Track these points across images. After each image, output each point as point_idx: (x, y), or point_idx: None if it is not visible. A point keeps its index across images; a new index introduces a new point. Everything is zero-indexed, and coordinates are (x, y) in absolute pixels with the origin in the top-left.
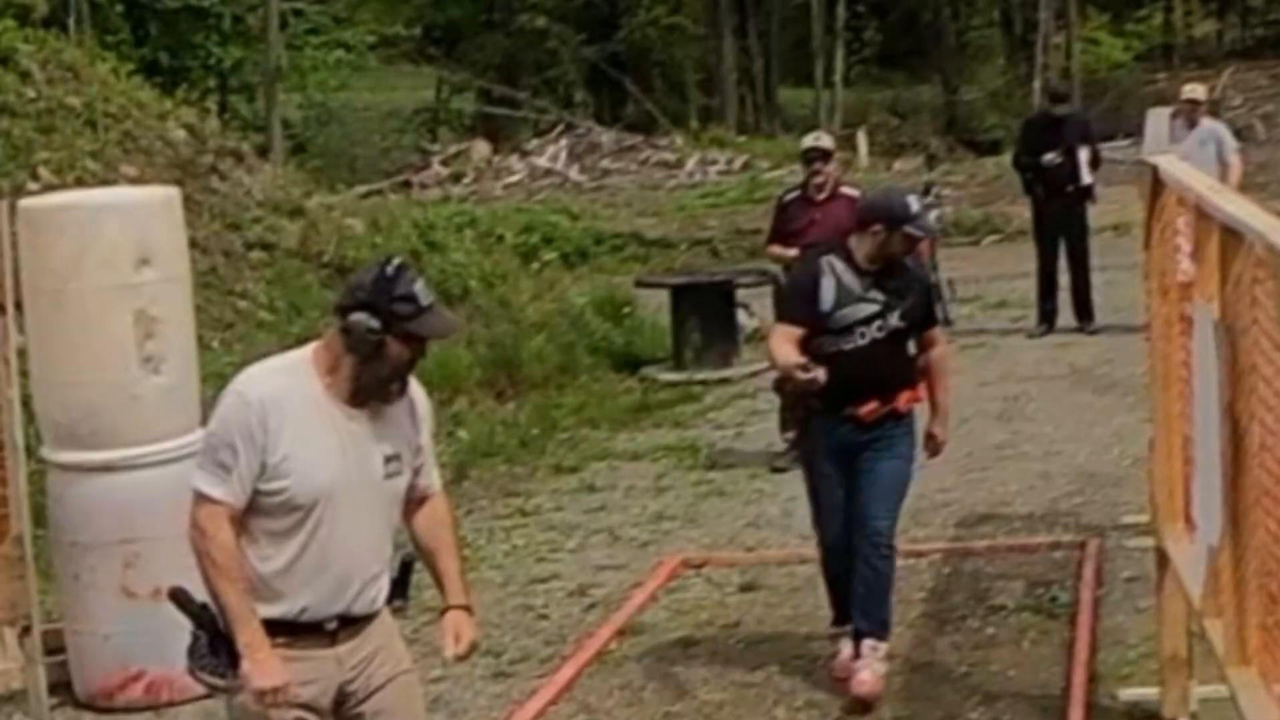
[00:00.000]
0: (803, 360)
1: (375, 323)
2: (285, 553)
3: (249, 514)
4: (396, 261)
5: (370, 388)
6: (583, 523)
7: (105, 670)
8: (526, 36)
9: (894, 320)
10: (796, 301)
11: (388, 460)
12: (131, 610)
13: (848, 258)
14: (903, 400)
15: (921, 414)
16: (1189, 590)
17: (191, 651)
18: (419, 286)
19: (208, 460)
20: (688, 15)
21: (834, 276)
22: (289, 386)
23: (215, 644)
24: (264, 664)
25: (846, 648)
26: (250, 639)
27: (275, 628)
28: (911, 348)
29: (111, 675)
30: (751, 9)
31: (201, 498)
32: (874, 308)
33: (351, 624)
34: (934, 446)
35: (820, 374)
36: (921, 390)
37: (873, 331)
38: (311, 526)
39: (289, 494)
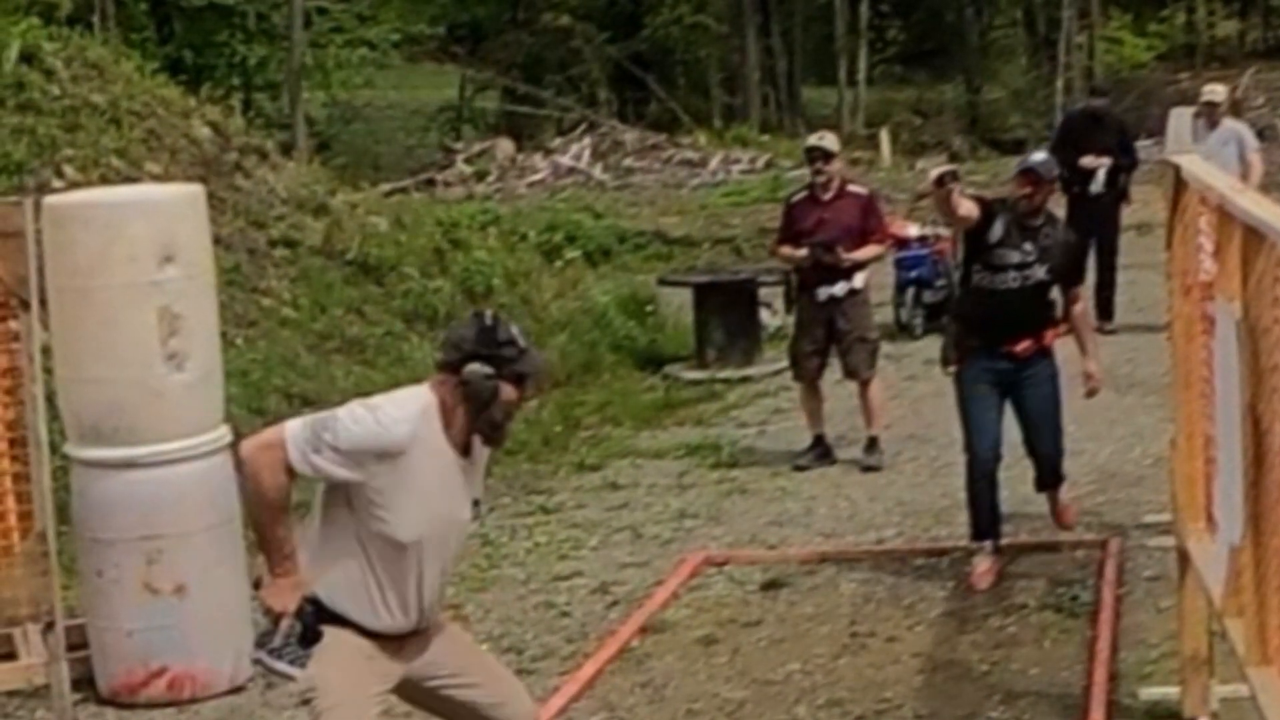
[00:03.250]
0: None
1: (489, 369)
2: (381, 575)
3: (363, 530)
4: (490, 313)
5: (486, 433)
6: (605, 520)
7: (128, 666)
8: (550, 35)
9: (1040, 273)
10: (982, 201)
11: (475, 504)
12: (154, 606)
13: (1015, 212)
14: (1048, 337)
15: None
16: (1210, 589)
17: (275, 640)
18: (515, 330)
19: (315, 428)
20: (711, 14)
21: (1004, 220)
22: (423, 438)
23: (306, 636)
24: (282, 590)
25: (983, 563)
26: (279, 566)
27: (355, 628)
28: (1055, 296)
29: (134, 671)
30: (775, 8)
31: (286, 442)
32: (1024, 257)
33: (420, 633)
34: (1092, 385)
35: (946, 166)
36: (1062, 328)
37: (1020, 278)
38: (406, 563)
39: (390, 529)
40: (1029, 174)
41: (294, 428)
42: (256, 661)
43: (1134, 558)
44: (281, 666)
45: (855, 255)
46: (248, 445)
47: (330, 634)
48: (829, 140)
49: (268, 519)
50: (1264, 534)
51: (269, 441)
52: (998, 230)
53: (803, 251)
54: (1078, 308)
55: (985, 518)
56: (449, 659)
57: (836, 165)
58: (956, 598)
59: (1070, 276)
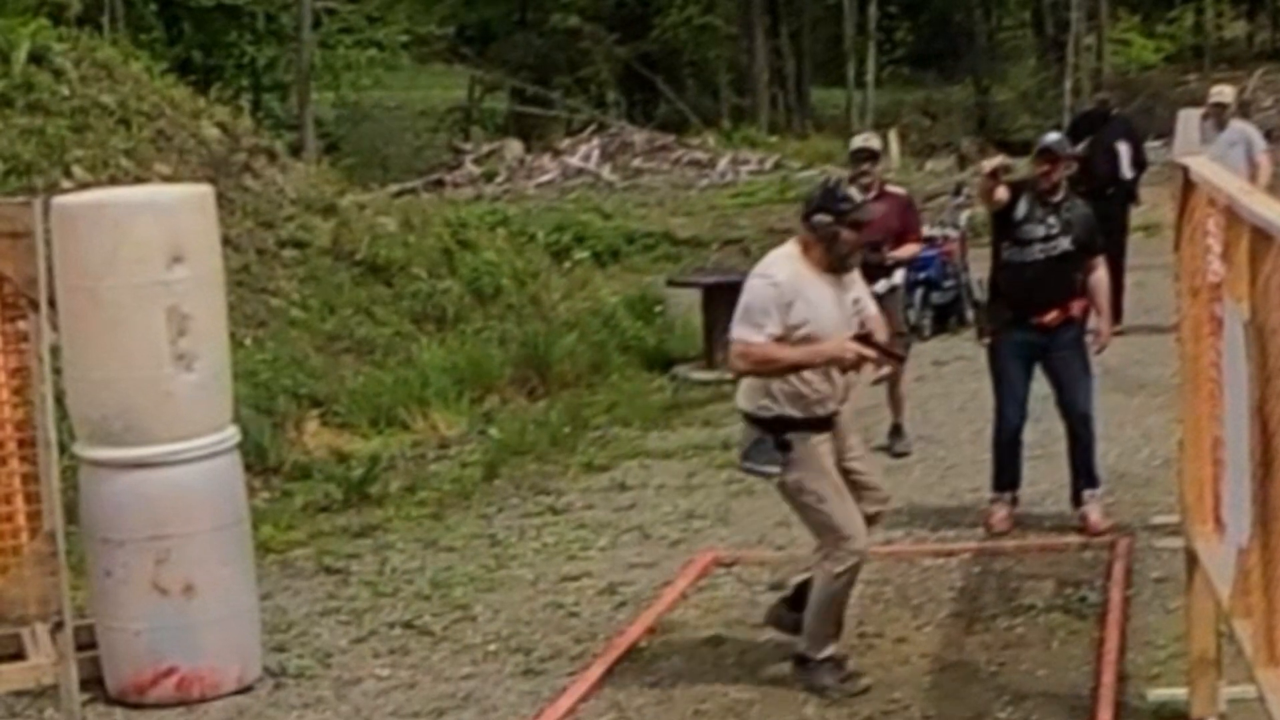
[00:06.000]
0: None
1: (829, 218)
2: (816, 375)
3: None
4: (834, 178)
5: (835, 263)
6: (613, 521)
7: (137, 666)
8: (559, 36)
9: (1064, 244)
10: (1009, 185)
11: (855, 301)
12: (163, 606)
13: (1036, 190)
14: (1075, 308)
15: None
16: (1218, 590)
17: (752, 450)
18: (852, 190)
19: (747, 317)
20: (720, 15)
21: (1027, 199)
22: (798, 271)
23: (779, 444)
24: (836, 346)
25: (1000, 511)
26: (820, 346)
27: (810, 423)
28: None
29: (143, 671)
30: (783, 9)
31: (749, 341)
32: (1049, 230)
33: (838, 413)
34: (1101, 341)
35: (1000, 160)
36: (1087, 300)
37: (1047, 249)
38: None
39: (818, 337)
40: (1047, 153)
41: (741, 330)
42: (745, 470)
43: (1142, 559)
44: (766, 469)
45: (898, 254)
46: (741, 365)
47: (797, 440)
48: (874, 141)
49: (792, 358)
50: (1272, 535)
51: (743, 351)
52: (1022, 208)
53: None
54: (1096, 274)
55: (1006, 473)
56: (849, 437)
57: (880, 166)
58: (964, 599)
59: (1091, 246)
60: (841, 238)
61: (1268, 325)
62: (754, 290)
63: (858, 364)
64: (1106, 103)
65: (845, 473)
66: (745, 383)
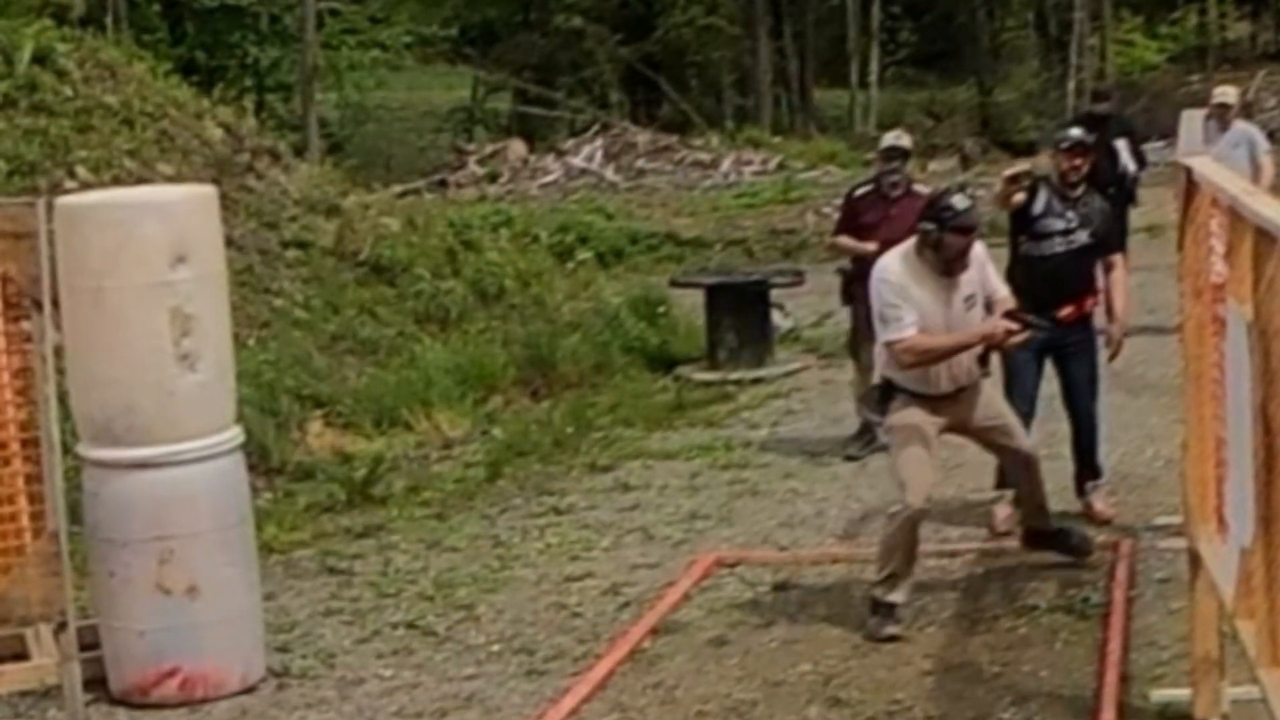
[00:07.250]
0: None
1: (932, 226)
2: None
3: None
4: (943, 187)
5: (945, 264)
6: (616, 521)
7: (140, 666)
8: (562, 37)
9: (1083, 238)
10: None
11: (967, 299)
12: (166, 606)
13: (1063, 181)
14: (1088, 304)
15: None
16: (1221, 591)
17: (869, 398)
18: (956, 199)
19: (886, 321)
20: (723, 16)
21: (1046, 193)
22: (908, 269)
23: (884, 397)
24: (989, 326)
25: (1003, 510)
26: (975, 328)
27: (916, 395)
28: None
29: (146, 671)
30: (787, 10)
31: (896, 338)
32: (1067, 224)
33: (960, 391)
34: (1113, 345)
35: (1021, 166)
36: (1100, 296)
37: (1066, 243)
38: None
39: (929, 327)
40: (1080, 147)
41: (888, 332)
42: (861, 414)
43: (1145, 559)
44: (874, 417)
45: None
46: (908, 359)
47: (900, 400)
48: (906, 140)
49: (950, 343)
50: (1275, 536)
51: (904, 347)
52: (1040, 203)
53: (872, 245)
54: (1116, 273)
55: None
56: (989, 407)
57: (909, 165)
58: (967, 599)
59: (1109, 240)
60: (946, 242)
61: (1270, 326)
62: (879, 294)
63: (1015, 338)
64: (1105, 99)
65: (986, 434)
66: (878, 347)
